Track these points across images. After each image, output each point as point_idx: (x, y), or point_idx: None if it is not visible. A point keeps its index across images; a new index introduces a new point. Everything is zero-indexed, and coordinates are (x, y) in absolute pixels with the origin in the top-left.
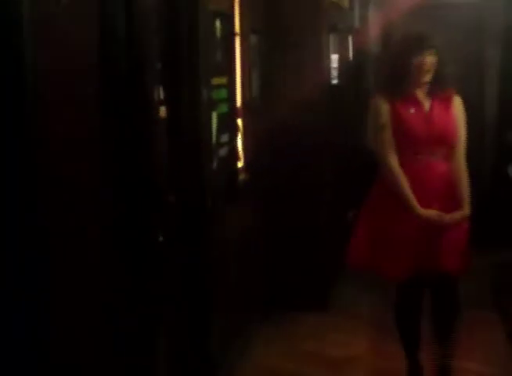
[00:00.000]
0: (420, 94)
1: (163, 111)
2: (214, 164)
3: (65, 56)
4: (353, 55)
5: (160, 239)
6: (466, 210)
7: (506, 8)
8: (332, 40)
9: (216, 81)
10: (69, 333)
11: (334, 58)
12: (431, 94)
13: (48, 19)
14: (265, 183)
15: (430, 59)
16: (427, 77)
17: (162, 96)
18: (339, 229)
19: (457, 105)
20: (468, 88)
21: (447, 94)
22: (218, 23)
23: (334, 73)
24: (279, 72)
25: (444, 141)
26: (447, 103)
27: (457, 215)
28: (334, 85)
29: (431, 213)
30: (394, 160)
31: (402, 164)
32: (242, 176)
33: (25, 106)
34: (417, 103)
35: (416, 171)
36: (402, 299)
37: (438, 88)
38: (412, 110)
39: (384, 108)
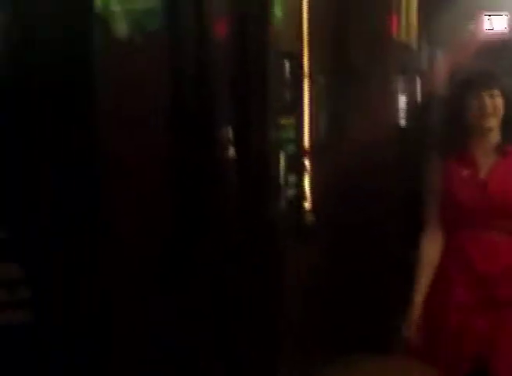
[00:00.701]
0: (480, 151)
1: (232, 152)
2: (282, 205)
3: (136, 96)
4: (421, 97)
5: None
6: None
7: None
8: (400, 81)
9: (284, 121)
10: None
11: (402, 99)
12: (498, 151)
13: (121, 58)
14: (332, 225)
15: (491, 102)
16: (489, 127)
17: (231, 136)
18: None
19: None
20: None
21: None
22: (287, 64)
23: (402, 114)
24: (347, 113)
25: (509, 213)
26: None
27: None
28: (402, 127)
29: None
30: (428, 235)
31: (451, 241)
32: (309, 217)
33: (94, 150)
34: (471, 163)
35: (469, 250)
36: None
37: (508, 143)
38: (465, 173)
39: (435, 167)
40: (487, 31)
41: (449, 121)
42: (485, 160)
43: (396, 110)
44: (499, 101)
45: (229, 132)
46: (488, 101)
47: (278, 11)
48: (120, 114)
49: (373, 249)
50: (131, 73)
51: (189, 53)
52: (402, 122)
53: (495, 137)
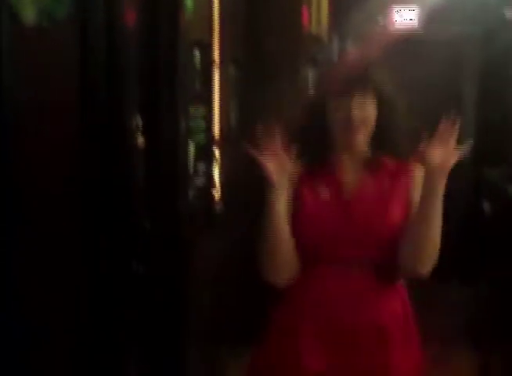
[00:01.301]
0: (344, 166)
1: (141, 140)
2: (191, 194)
3: (45, 83)
4: None
5: (134, 266)
6: None
7: (483, 44)
8: (311, 73)
9: (194, 110)
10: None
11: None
12: (366, 165)
13: (29, 46)
14: (241, 214)
15: (361, 114)
16: (356, 142)
17: (140, 125)
18: None
19: (415, 183)
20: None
21: (399, 166)
22: (197, 53)
23: None
24: (258, 103)
25: (372, 245)
26: (393, 177)
27: None
28: None
29: None
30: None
31: (304, 277)
32: (218, 206)
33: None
34: (332, 181)
35: (320, 288)
36: None
37: (377, 155)
38: (324, 192)
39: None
40: (397, 24)
41: (307, 131)
42: (350, 177)
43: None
44: (371, 109)
45: (139, 120)
46: (356, 114)
47: None
48: (29, 103)
49: None
50: (39, 60)
51: (99, 41)
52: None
53: (362, 149)
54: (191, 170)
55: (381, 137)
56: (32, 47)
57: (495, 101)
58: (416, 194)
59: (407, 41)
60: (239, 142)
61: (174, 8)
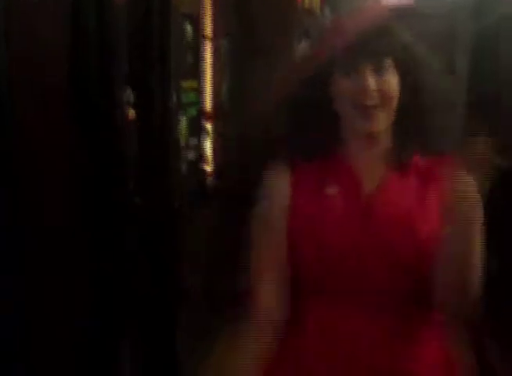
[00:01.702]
0: (359, 159)
1: (132, 113)
2: (183, 167)
3: (35, 55)
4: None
5: (126, 242)
6: None
7: (475, 17)
8: (304, 46)
9: (186, 84)
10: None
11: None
12: (390, 161)
13: (20, 18)
14: (233, 188)
15: (373, 81)
16: (375, 122)
17: (131, 98)
18: None
19: (458, 186)
20: None
21: (431, 161)
22: (188, 26)
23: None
24: (250, 76)
25: (399, 271)
26: (426, 180)
27: None
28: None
29: None
30: (268, 293)
31: (299, 317)
32: (210, 179)
33: None
34: (348, 176)
35: (320, 336)
36: None
37: (406, 152)
38: (331, 199)
39: (280, 187)
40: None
41: (305, 111)
42: (367, 178)
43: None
44: (393, 82)
45: (130, 95)
46: (372, 83)
47: None
48: (20, 75)
49: None
50: (30, 33)
51: (90, 14)
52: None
53: (384, 139)
54: (183, 144)
55: (409, 124)
56: (24, 19)
57: (486, 74)
58: (455, 205)
59: (399, 14)
60: (231, 117)
61: None
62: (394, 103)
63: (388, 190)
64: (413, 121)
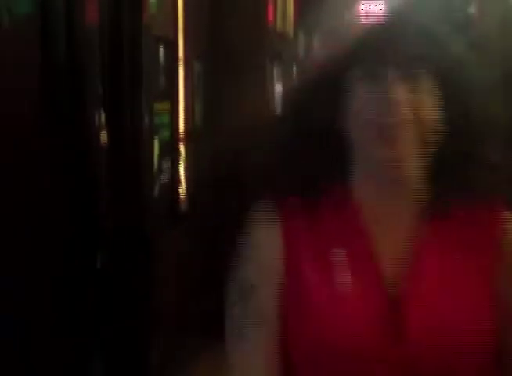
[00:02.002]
0: (382, 210)
1: (104, 137)
2: (156, 191)
3: (6, 81)
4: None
5: (98, 265)
6: None
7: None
8: (276, 69)
9: (159, 106)
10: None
11: (278, 87)
12: (426, 209)
13: None
14: (206, 212)
15: (399, 92)
16: (398, 150)
17: (104, 122)
18: None
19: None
20: None
21: (481, 209)
22: (161, 49)
23: (278, 102)
24: (222, 99)
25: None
26: (472, 240)
27: None
28: (278, 115)
29: None
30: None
31: None
32: (183, 203)
33: None
34: (355, 239)
35: None
36: None
37: (446, 200)
38: (339, 262)
39: (269, 241)
40: (364, 19)
41: (306, 137)
42: (388, 233)
43: (272, 97)
44: (427, 99)
45: (102, 117)
46: (396, 98)
47: None
48: None
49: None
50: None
51: (60, 38)
52: (278, 110)
53: (409, 175)
54: (155, 167)
55: (448, 159)
56: None
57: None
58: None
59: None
60: (204, 139)
61: (137, 4)
62: (427, 127)
63: (424, 268)
64: (459, 157)
